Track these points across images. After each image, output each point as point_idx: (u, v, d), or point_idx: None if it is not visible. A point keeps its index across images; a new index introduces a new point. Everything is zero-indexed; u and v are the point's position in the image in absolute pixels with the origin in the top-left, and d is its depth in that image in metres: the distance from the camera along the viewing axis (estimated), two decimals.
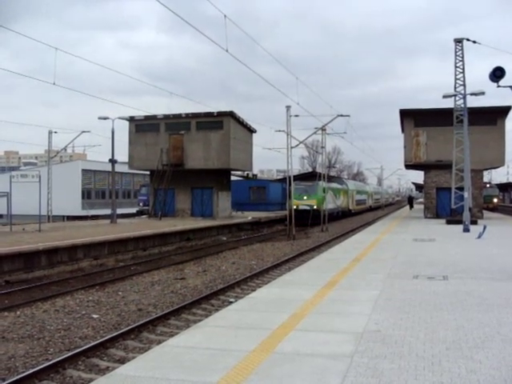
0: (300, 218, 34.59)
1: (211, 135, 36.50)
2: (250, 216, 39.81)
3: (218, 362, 5.60)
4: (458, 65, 30.26)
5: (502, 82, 21.04)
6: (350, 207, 54.85)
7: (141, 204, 45.89)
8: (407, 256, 14.96)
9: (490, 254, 15.33)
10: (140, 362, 5.79)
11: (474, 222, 26.47)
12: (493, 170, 60.85)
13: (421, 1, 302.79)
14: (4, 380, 7.03)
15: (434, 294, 9.26)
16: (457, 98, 29.87)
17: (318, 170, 59.28)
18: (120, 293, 13.61)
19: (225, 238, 30.15)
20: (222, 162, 36.40)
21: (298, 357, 5.72)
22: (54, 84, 23.16)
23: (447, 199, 33.13)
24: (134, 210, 48.31)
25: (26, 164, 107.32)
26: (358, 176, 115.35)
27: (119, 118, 34.83)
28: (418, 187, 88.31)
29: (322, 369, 5.30)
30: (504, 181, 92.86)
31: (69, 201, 48.77)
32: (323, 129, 35.29)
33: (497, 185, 68.69)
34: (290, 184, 32.87)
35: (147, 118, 37.89)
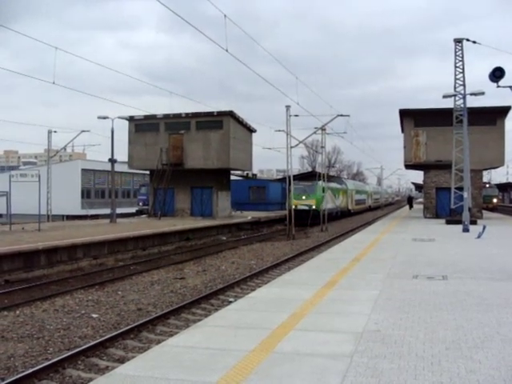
0: (299, 218, 34.56)
1: (211, 135, 36.48)
2: (249, 216, 39.80)
3: (218, 361, 5.59)
4: (457, 65, 30.31)
5: (501, 82, 21.13)
6: (350, 207, 54.79)
7: (140, 203, 45.88)
8: (407, 256, 14.97)
9: (489, 254, 15.34)
10: (139, 362, 5.78)
11: (473, 222, 26.47)
12: (492, 170, 60.95)
13: (421, 1, 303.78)
14: (3, 379, 7.03)
15: (433, 293, 9.27)
16: (456, 98, 29.92)
17: (318, 169, 59.22)
18: (119, 292, 13.61)
19: (224, 238, 30.14)
20: (221, 162, 36.37)
21: (298, 356, 5.72)
22: (53, 83, 23.21)
23: (447, 199, 33.16)
24: (133, 210, 48.32)
25: (25, 163, 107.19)
26: (357, 176, 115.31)
27: (119, 117, 34.83)
28: (418, 187, 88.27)
29: (321, 368, 5.30)
30: (503, 181, 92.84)
31: (68, 200, 48.73)
32: (323, 128, 35.26)
33: (496, 185, 68.71)
34: (289, 184, 32.89)
35: (147, 117, 37.86)
